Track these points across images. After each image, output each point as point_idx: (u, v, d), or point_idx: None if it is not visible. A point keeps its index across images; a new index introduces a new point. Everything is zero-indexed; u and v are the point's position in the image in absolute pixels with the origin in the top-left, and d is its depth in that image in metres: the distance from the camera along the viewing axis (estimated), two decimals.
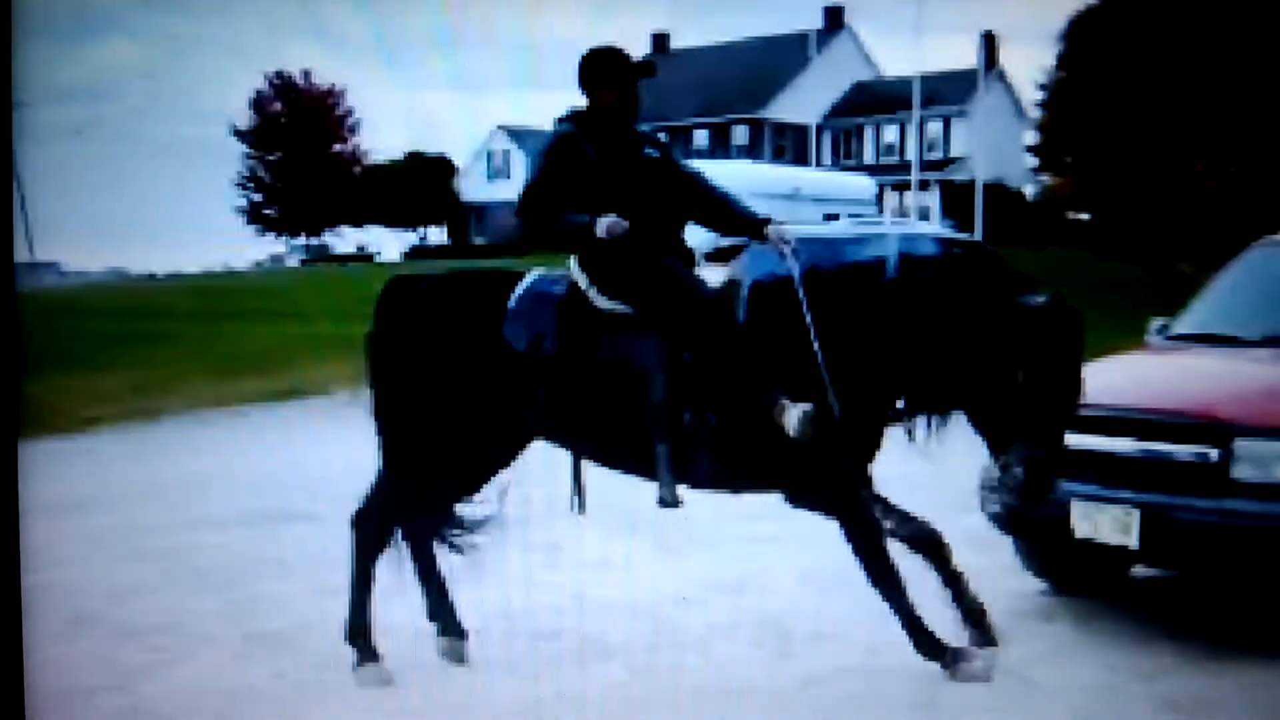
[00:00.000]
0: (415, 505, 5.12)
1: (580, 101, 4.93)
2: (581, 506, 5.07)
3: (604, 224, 4.62)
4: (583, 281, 4.78)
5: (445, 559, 5.23)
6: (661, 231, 4.82)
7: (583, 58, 4.87)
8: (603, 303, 4.75)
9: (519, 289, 4.84)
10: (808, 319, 4.53)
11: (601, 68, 4.85)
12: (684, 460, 4.66)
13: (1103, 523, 5.21)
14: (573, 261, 4.83)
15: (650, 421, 4.62)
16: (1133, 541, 5.13)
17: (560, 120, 4.92)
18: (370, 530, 5.03)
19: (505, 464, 5.17)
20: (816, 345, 4.51)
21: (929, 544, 4.73)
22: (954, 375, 4.54)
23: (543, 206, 4.75)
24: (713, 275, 4.84)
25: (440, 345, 4.86)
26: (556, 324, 4.73)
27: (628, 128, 4.89)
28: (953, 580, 4.73)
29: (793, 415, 4.43)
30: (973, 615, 4.74)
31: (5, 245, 3.81)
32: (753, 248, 4.86)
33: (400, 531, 5.14)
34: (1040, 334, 4.35)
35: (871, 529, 4.74)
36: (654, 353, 4.63)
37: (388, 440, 5.04)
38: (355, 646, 4.97)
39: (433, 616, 5.17)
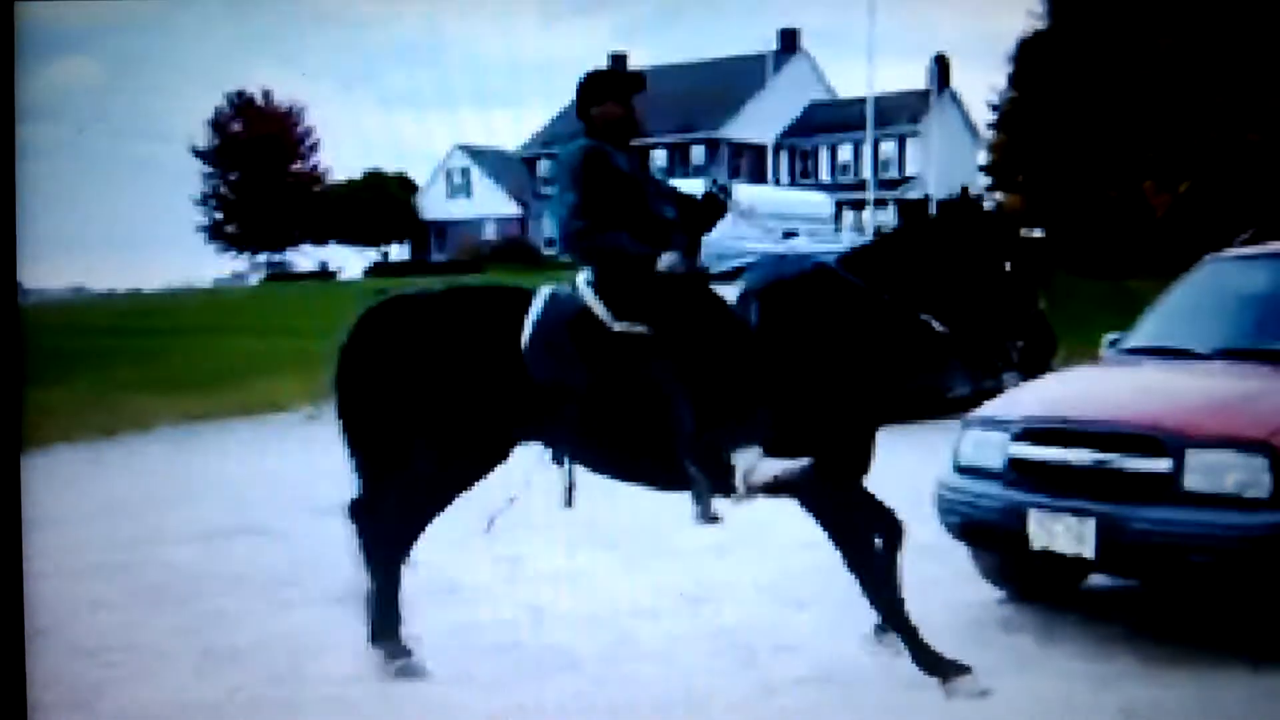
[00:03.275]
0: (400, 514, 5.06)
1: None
2: (569, 501, 4.98)
3: (668, 259, 4.63)
4: (596, 305, 4.71)
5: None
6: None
7: (582, 79, 4.89)
8: (617, 325, 4.68)
9: (534, 311, 4.75)
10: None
11: (602, 86, 4.87)
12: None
13: (1058, 533, 5.21)
14: (581, 281, 4.78)
15: (680, 445, 4.59)
16: (1088, 551, 5.13)
17: (576, 137, 4.88)
18: (367, 525, 5.00)
19: (477, 480, 5.09)
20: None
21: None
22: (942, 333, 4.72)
23: (592, 226, 4.70)
24: (726, 293, 4.82)
25: (448, 362, 4.78)
26: (572, 348, 4.66)
27: (631, 144, 4.91)
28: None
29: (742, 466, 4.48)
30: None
31: (8, 261, 3.75)
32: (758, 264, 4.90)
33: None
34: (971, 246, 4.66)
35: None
36: (673, 374, 4.58)
37: (371, 451, 4.98)
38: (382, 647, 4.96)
39: (376, 638, 5.08)
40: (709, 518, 4.67)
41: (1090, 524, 5.12)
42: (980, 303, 4.64)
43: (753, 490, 4.54)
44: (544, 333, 4.70)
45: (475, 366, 4.76)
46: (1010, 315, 4.64)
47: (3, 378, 3.16)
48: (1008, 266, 4.65)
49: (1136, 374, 6.04)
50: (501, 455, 4.93)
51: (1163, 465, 5.01)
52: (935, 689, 4.73)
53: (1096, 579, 6.00)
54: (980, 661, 5.03)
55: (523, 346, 4.69)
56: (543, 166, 41.92)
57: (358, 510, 5.03)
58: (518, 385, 4.69)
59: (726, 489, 4.63)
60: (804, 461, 4.53)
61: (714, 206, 5.01)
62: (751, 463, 4.51)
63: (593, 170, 4.72)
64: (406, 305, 5.03)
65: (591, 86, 4.90)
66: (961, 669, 4.65)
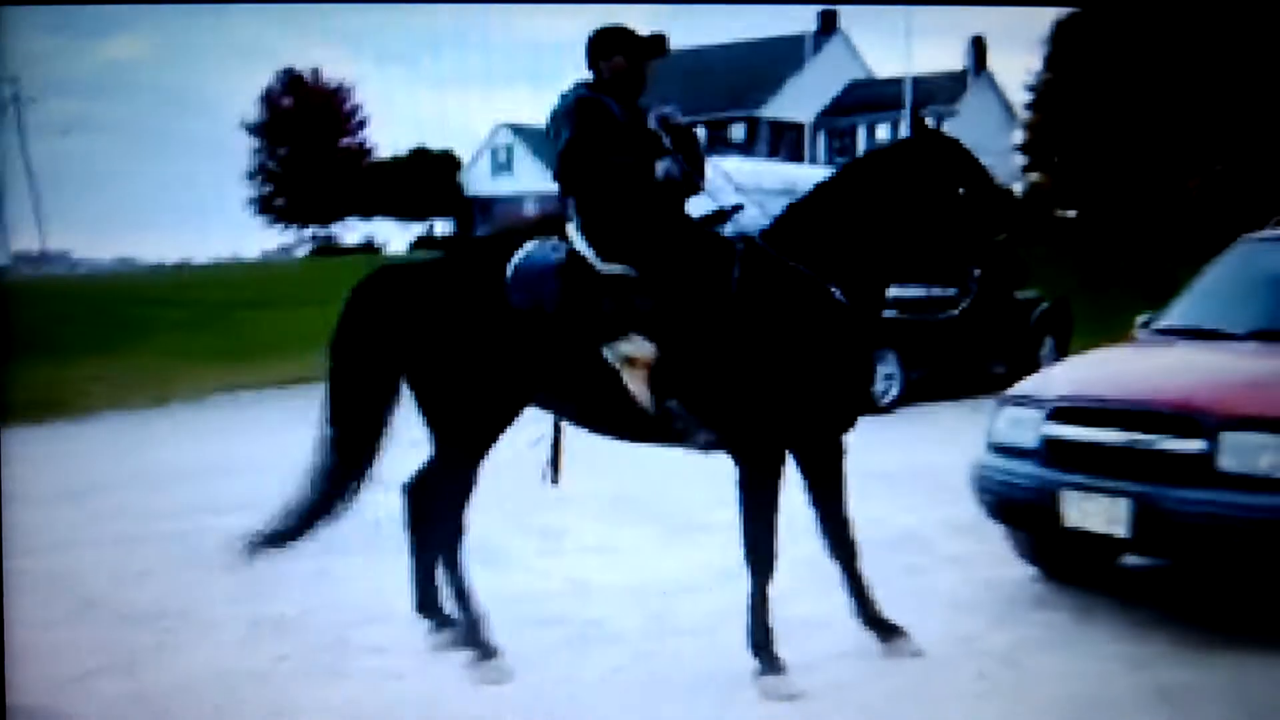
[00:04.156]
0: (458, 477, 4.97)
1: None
2: (555, 479, 4.98)
3: (663, 165, 4.59)
4: (584, 247, 4.64)
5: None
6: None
7: (594, 32, 4.79)
8: (603, 267, 4.60)
9: (516, 258, 4.68)
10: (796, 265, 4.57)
11: (612, 40, 4.77)
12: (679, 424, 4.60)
13: (1092, 512, 5.16)
14: (572, 229, 4.70)
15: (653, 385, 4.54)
16: (1122, 531, 5.08)
17: (578, 86, 4.77)
18: (417, 502, 4.96)
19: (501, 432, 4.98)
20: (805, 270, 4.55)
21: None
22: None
23: (589, 158, 4.61)
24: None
25: (449, 318, 4.72)
26: (557, 288, 4.59)
27: (635, 101, 4.81)
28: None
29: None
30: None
31: None
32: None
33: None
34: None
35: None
36: (654, 313, 4.52)
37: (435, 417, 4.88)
38: (424, 616, 4.95)
39: (422, 610, 5.07)
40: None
41: (1124, 504, 5.06)
42: (931, 229, 4.60)
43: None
44: (526, 268, 4.65)
45: (463, 318, 4.69)
46: (964, 241, 4.64)
47: None
48: (960, 192, 4.62)
49: (1170, 354, 5.96)
50: (499, 408, 4.81)
51: (1197, 446, 4.94)
52: (971, 663, 4.70)
53: (1131, 559, 5.93)
54: (1013, 640, 5.01)
55: (506, 280, 4.64)
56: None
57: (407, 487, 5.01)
58: (504, 324, 4.63)
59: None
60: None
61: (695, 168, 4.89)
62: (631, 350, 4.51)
63: (588, 114, 4.64)
64: (397, 273, 5.00)
65: (604, 40, 4.80)
66: (778, 667, 4.57)
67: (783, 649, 4.62)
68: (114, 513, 7.88)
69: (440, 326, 4.72)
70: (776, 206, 4.81)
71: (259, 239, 51.29)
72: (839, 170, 4.81)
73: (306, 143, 50.40)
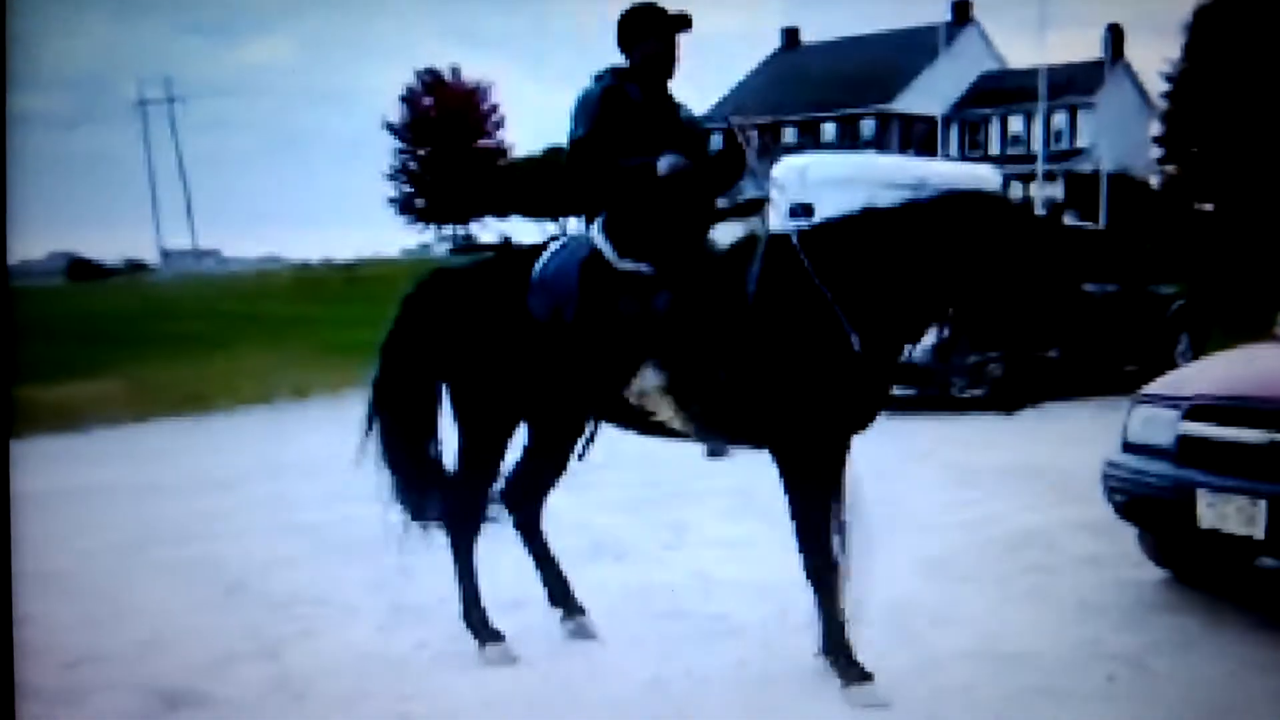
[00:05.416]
0: (512, 500, 5.09)
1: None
2: (581, 456, 4.97)
3: (666, 161, 4.51)
4: (603, 244, 4.59)
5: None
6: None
7: (623, 14, 4.71)
8: (622, 264, 4.54)
9: (540, 262, 4.67)
10: (816, 281, 4.30)
11: (643, 21, 4.68)
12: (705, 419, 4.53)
13: (1228, 513, 5.01)
14: (595, 227, 4.66)
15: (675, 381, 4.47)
16: (1259, 533, 4.92)
17: (604, 73, 4.74)
18: (461, 511, 4.95)
19: (576, 436, 5.02)
20: (830, 296, 4.27)
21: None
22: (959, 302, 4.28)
23: (597, 156, 4.59)
24: (731, 231, 4.60)
25: (478, 323, 4.74)
26: (576, 287, 4.54)
27: (665, 84, 4.76)
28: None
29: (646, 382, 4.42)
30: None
31: None
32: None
33: (511, 520, 5.13)
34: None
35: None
36: (666, 303, 4.43)
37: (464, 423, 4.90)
38: (472, 628, 4.91)
39: (553, 601, 5.16)
40: (716, 453, 4.61)
41: (1262, 505, 4.90)
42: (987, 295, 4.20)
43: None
44: (549, 271, 4.62)
45: (497, 328, 4.69)
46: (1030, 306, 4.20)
47: None
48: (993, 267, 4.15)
49: None
50: (565, 408, 4.86)
51: None
52: (1099, 665, 4.61)
53: (1264, 562, 5.76)
54: (1142, 641, 4.90)
55: (529, 285, 4.62)
56: (713, 141, 41.77)
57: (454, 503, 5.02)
58: (522, 335, 4.61)
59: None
60: (693, 423, 4.48)
61: (733, 158, 4.76)
62: (648, 387, 4.45)
63: (605, 106, 4.60)
64: (443, 279, 5.01)
65: (633, 21, 4.70)
66: (865, 675, 4.37)
67: (904, 649, 4.57)
68: (259, 502, 8.11)
69: (465, 334, 4.77)
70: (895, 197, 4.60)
71: (399, 237, 52.24)
72: (904, 205, 4.39)
73: (446, 143, 51.25)
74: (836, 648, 4.43)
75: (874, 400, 4.44)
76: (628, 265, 4.53)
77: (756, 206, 4.69)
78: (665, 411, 4.52)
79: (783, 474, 4.44)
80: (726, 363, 4.37)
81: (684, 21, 4.71)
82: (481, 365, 4.74)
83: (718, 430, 4.59)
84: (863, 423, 4.48)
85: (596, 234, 4.64)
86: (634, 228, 4.58)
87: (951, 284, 4.22)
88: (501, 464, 4.93)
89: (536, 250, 4.81)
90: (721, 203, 4.80)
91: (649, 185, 4.55)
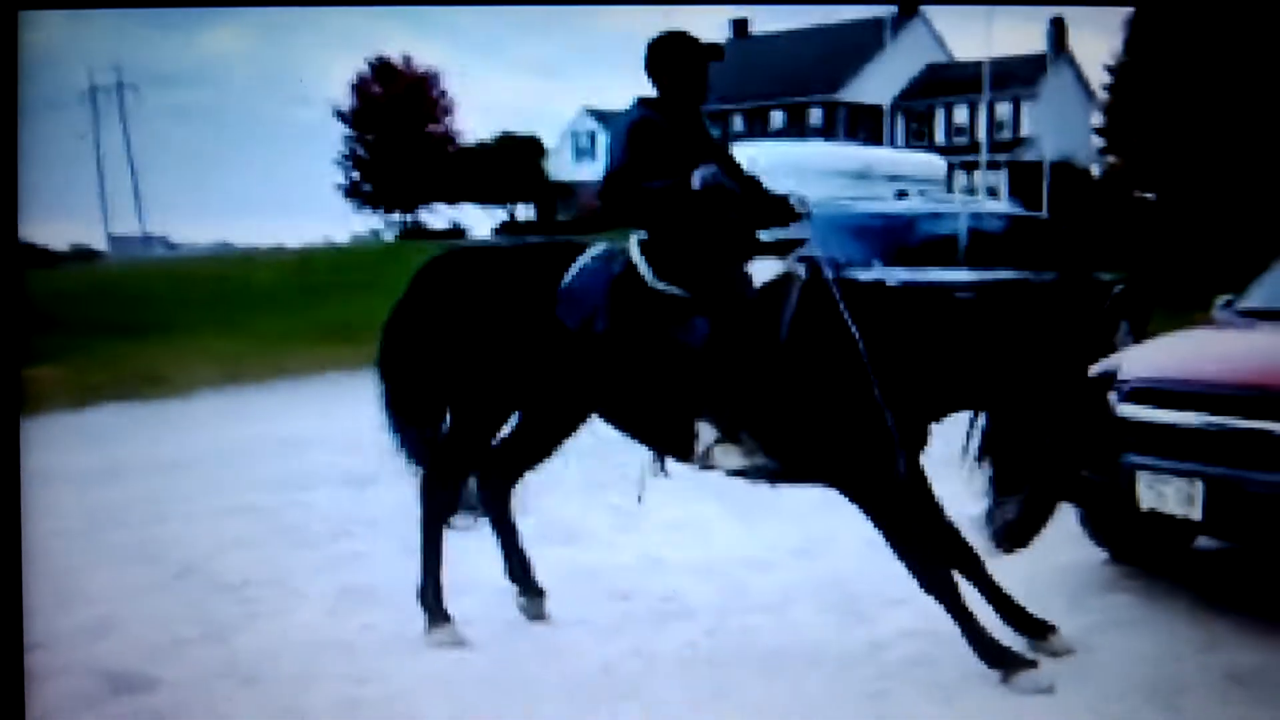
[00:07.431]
0: (486, 470, 5.06)
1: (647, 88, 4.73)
2: (663, 469, 4.91)
3: (700, 174, 4.49)
4: (640, 262, 4.59)
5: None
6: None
7: (651, 42, 4.65)
8: (657, 285, 4.56)
9: (579, 262, 4.67)
10: (852, 329, 4.34)
11: (672, 51, 4.64)
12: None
13: (1167, 494, 5.05)
14: (633, 242, 4.66)
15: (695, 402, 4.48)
16: (1196, 513, 4.96)
17: (635, 105, 4.71)
18: (437, 494, 4.93)
19: (569, 434, 5.08)
20: (865, 354, 4.30)
21: None
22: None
23: (631, 186, 4.58)
24: (768, 268, 4.61)
25: (496, 318, 4.72)
26: (607, 301, 4.54)
27: (698, 111, 4.73)
28: None
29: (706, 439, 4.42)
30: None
31: (9, 230, 3.80)
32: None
33: (479, 496, 5.10)
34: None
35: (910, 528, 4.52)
36: (702, 335, 4.45)
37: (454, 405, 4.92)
38: (426, 609, 4.89)
39: (512, 577, 5.14)
40: (659, 471, 4.67)
41: (1200, 486, 4.95)
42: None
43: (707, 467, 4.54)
44: (581, 280, 4.61)
45: (513, 320, 4.68)
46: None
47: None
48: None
49: (1249, 336, 5.81)
50: (566, 409, 4.89)
51: (1276, 427, 4.82)
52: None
53: (1201, 542, 5.82)
54: (1083, 622, 4.93)
55: (559, 293, 4.61)
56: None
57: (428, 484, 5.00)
58: (557, 338, 4.61)
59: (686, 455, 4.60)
60: (762, 460, 4.45)
61: (782, 212, 4.77)
62: (708, 442, 4.45)
63: (640, 137, 4.57)
64: (458, 260, 5.00)
65: (662, 50, 4.65)
66: (1027, 663, 4.39)
67: (852, 629, 4.56)
68: (207, 486, 8.01)
69: (486, 325, 4.74)
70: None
71: (349, 224, 51.88)
72: (978, 297, 4.53)
73: (395, 129, 50.82)
74: (985, 650, 4.38)
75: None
76: (663, 287, 4.53)
77: (795, 246, 4.67)
78: (735, 461, 4.50)
79: (851, 498, 4.48)
80: (764, 406, 4.39)
81: (716, 52, 4.68)
82: (497, 358, 4.72)
83: (797, 469, 4.55)
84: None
85: (634, 252, 4.62)
86: (674, 251, 4.57)
87: (995, 379, 4.30)
88: (488, 447, 4.93)
89: (561, 252, 4.76)
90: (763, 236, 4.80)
91: (685, 201, 4.53)
